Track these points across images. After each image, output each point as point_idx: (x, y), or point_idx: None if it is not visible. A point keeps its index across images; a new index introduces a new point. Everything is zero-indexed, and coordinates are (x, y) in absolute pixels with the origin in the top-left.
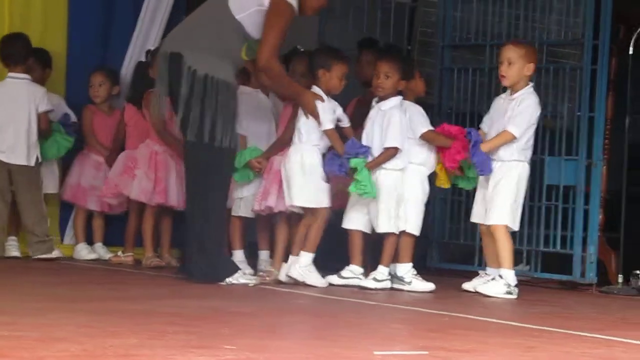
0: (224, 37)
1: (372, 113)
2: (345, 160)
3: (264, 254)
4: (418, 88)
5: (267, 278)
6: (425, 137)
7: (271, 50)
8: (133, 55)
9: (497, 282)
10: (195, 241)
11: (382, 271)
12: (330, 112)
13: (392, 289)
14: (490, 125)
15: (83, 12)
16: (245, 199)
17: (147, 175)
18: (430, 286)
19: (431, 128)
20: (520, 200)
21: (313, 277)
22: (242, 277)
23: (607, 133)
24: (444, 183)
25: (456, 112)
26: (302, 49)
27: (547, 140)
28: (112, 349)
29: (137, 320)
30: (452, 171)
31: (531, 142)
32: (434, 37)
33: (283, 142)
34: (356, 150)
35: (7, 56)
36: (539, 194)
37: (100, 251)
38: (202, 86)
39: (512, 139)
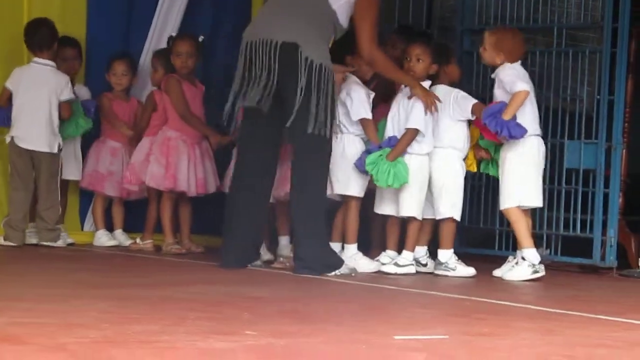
0: (324, 26)
1: (399, 97)
2: (364, 156)
3: (284, 240)
4: (454, 73)
5: (287, 264)
6: (475, 109)
7: (372, 39)
8: (151, 44)
9: (520, 265)
10: (306, 234)
11: (405, 256)
12: (366, 100)
13: (417, 273)
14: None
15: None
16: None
17: (159, 160)
18: (472, 271)
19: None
20: (531, 176)
21: (362, 264)
22: (345, 267)
23: (627, 116)
24: (472, 166)
25: (476, 97)
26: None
27: (567, 123)
28: (133, 335)
29: (158, 307)
30: (480, 154)
31: (528, 116)
32: (453, 22)
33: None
34: (392, 145)
35: (33, 42)
36: (558, 177)
37: (120, 238)
38: (319, 76)
39: (526, 94)
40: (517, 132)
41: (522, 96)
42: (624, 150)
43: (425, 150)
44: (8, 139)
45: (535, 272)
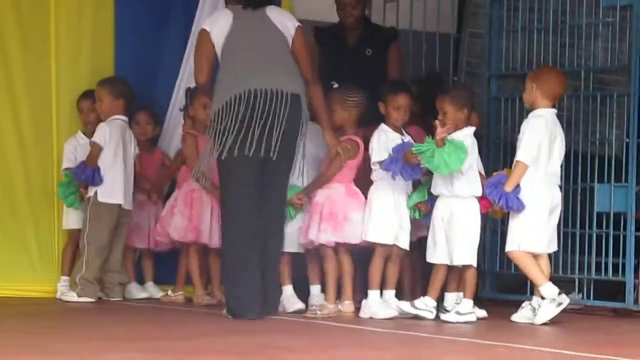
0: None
1: None
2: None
3: (315, 289)
4: (471, 121)
5: (318, 312)
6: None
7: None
8: (177, 97)
9: (544, 306)
10: (278, 279)
11: (466, 304)
12: (384, 145)
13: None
14: None
15: (130, 54)
16: (289, 235)
17: (183, 213)
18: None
19: None
20: (536, 222)
21: (379, 312)
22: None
23: None
24: (498, 213)
25: (504, 142)
26: (335, 85)
27: (597, 167)
28: None
29: (193, 359)
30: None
31: (541, 173)
32: (480, 67)
33: (324, 180)
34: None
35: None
36: (589, 221)
37: (151, 290)
38: (306, 129)
39: (525, 167)
40: (514, 204)
41: (522, 168)
42: None
43: (471, 193)
44: (104, 199)
45: (560, 304)
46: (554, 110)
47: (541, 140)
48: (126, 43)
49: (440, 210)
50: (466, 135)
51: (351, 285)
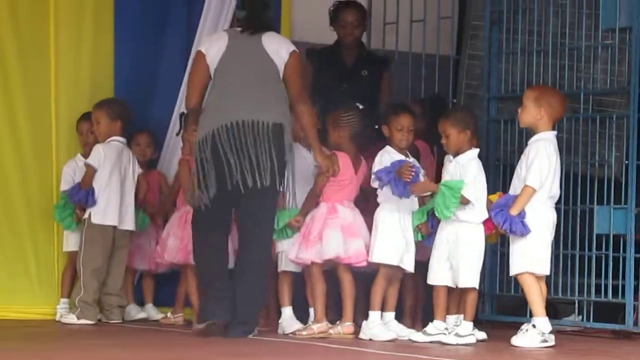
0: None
1: (450, 167)
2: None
3: (313, 311)
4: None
5: (298, 333)
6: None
7: (303, 92)
8: (176, 121)
9: (529, 332)
10: (260, 296)
11: (466, 326)
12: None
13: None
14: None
15: (129, 75)
16: (285, 253)
17: (175, 234)
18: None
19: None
20: (542, 244)
21: (380, 334)
22: None
23: None
24: (492, 238)
25: (504, 164)
26: (361, 107)
27: (596, 189)
28: None
29: None
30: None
31: (544, 193)
32: (479, 90)
33: (312, 197)
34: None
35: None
36: (589, 243)
37: (151, 312)
38: (293, 156)
39: (533, 192)
40: (517, 229)
41: (531, 193)
42: None
43: (478, 220)
44: (97, 221)
45: (544, 341)
46: (555, 132)
47: (550, 164)
48: (126, 64)
49: (445, 233)
50: (470, 160)
51: (352, 306)
